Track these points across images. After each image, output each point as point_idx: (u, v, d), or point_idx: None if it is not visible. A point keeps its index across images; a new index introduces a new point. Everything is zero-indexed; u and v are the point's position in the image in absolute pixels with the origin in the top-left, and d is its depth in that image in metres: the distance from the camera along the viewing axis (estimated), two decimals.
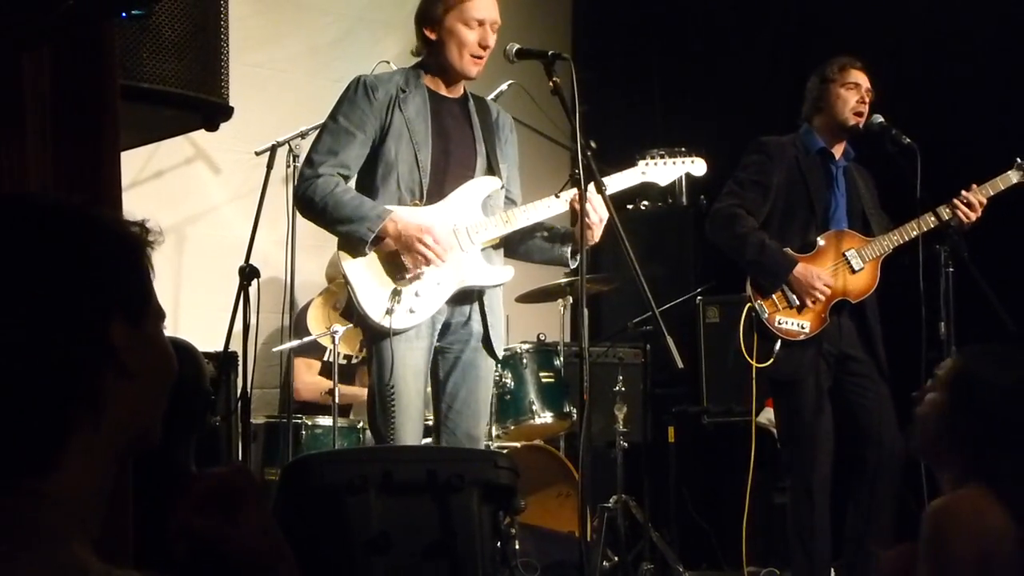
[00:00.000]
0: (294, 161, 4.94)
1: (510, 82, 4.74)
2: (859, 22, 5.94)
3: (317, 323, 4.94)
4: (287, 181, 4.94)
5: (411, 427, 3.57)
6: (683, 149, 4.02)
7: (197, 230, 5.56)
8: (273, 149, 4.97)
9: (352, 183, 3.67)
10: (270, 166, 4.90)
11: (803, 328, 4.25)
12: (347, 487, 2.78)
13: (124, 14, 2.04)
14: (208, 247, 5.50)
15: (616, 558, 5.01)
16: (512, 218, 3.71)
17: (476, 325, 3.71)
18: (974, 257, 4.16)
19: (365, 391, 4.59)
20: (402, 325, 3.56)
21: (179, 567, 1.27)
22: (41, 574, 1.08)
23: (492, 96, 4.41)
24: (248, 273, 4.44)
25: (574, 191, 3.57)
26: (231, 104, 3.06)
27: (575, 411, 4.91)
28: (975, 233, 4.31)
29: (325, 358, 5.40)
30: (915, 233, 4.28)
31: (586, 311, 3.35)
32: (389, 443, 3.55)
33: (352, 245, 3.60)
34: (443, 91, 3.75)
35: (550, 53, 3.50)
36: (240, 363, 4.53)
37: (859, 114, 4.34)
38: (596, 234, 3.60)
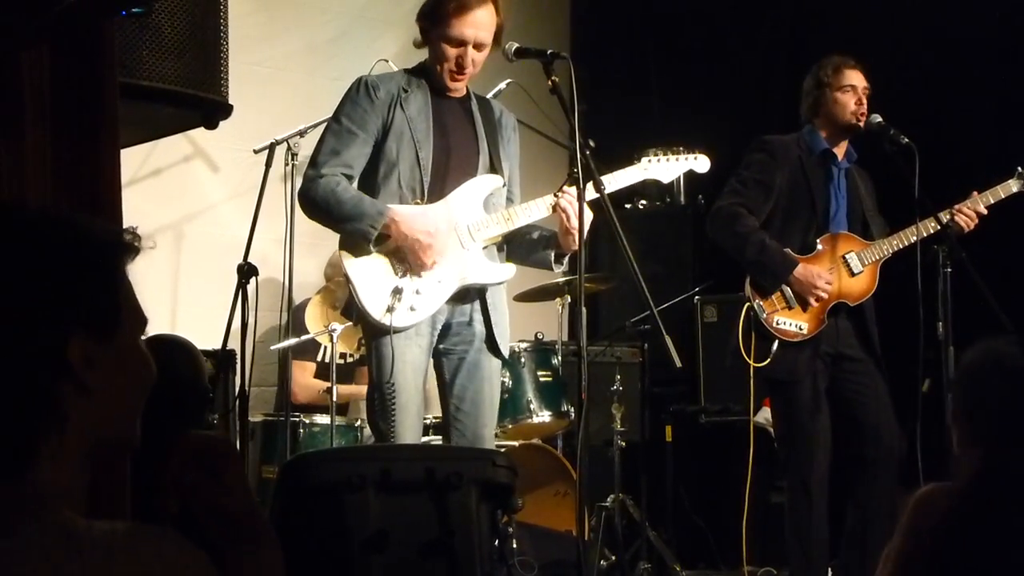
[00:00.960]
0: (292, 159, 4.95)
1: (508, 81, 4.74)
2: (857, 21, 5.95)
3: (315, 321, 4.94)
4: (286, 179, 4.95)
5: (410, 424, 3.57)
6: (681, 148, 4.03)
7: (195, 228, 5.56)
8: (272, 147, 4.97)
9: (355, 181, 3.68)
10: (269, 164, 4.90)
11: (801, 329, 4.25)
12: (345, 485, 2.78)
13: (124, 12, 2.04)
14: (206, 245, 5.50)
15: (613, 557, 5.02)
16: (513, 216, 3.71)
17: (478, 325, 3.71)
18: (972, 258, 4.17)
19: (362, 389, 4.61)
20: (403, 323, 3.57)
21: (171, 519, 1.30)
22: (34, 536, 1.12)
23: (491, 95, 4.41)
24: (247, 271, 4.44)
25: (554, 198, 3.62)
26: (230, 102, 3.07)
27: (573, 410, 4.91)
28: (972, 234, 4.32)
29: (319, 359, 5.40)
30: (915, 238, 4.28)
31: (584, 310, 3.35)
32: (389, 440, 3.55)
33: (356, 243, 3.61)
34: (444, 90, 3.74)
35: (549, 52, 3.50)
36: (238, 361, 4.53)
37: (859, 115, 4.33)
38: (572, 241, 3.60)
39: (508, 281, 3.82)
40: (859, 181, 4.47)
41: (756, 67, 6.42)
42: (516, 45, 3.56)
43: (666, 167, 3.98)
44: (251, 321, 4.47)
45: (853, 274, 4.32)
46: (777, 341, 4.22)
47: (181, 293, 5.41)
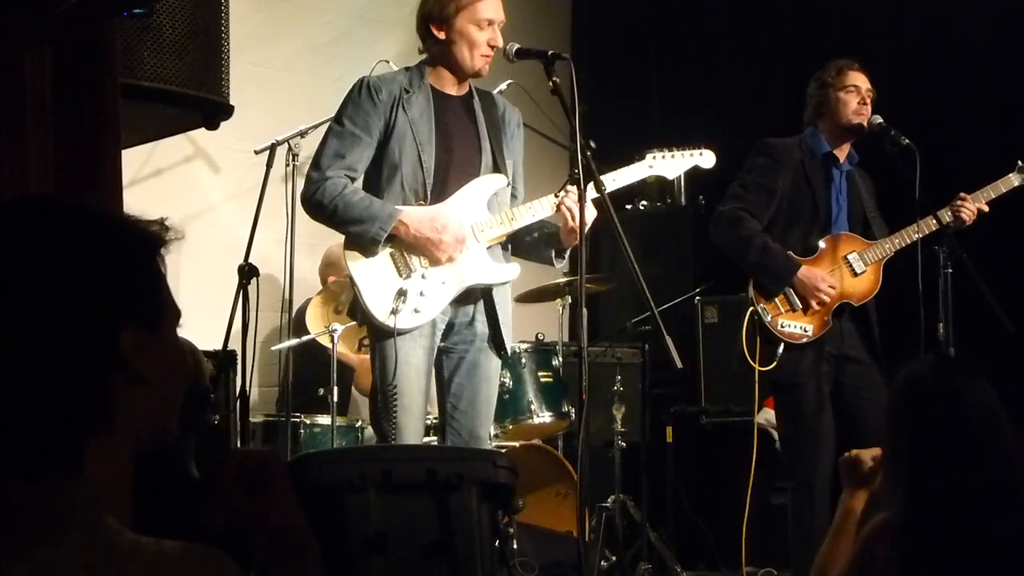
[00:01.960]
0: (293, 160, 4.95)
1: (509, 81, 4.74)
2: (858, 23, 5.95)
3: (316, 322, 4.95)
4: (286, 179, 4.95)
5: (413, 425, 3.58)
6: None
7: (196, 228, 5.56)
8: (272, 148, 4.97)
9: (359, 183, 3.68)
10: (270, 164, 4.90)
11: (806, 331, 4.25)
12: (346, 486, 2.78)
13: (125, 13, 2.04)
14: (207, 245, 5.49)
15: (614, 558, 5.02)
16: (517, 216, 3.72)
17: (480, 325, 3.71)
18: (972, 258, 4.17)
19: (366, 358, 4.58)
20: (407, 325, 3.57)
21: (214, 538, 1.29)
22: (79, 547, 1.10)
23: None
24: (247, 272, 4.45)
25: (555, 197, 3.63)
26: (231, 103, 3.07)
27: (573, 411, 4.91)
28: (973, 234, 4.32)
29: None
30: (916, 236, 4.28)
31: (585, 311, 3.35)
32: (391, 440, 3.56)
33: (363, 245, 3.61)
34: (447, 89, 3.75)
35: (550, 53, 3.50)
36: (239, 361, 4.54)
37: (862, 115, 4.33)
38: (574, 238, 3.59)
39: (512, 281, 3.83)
40: (860, 183, 4.47)
41: (756, 67, 6.42)
42: (517, 46, 3.57)
43: (671, 163, 3.97)
44: (252, 322, 4.47)
45: (856, 274, 4.32)
46: (782, 344, 4.22)
47: (182, 293, 5.31)
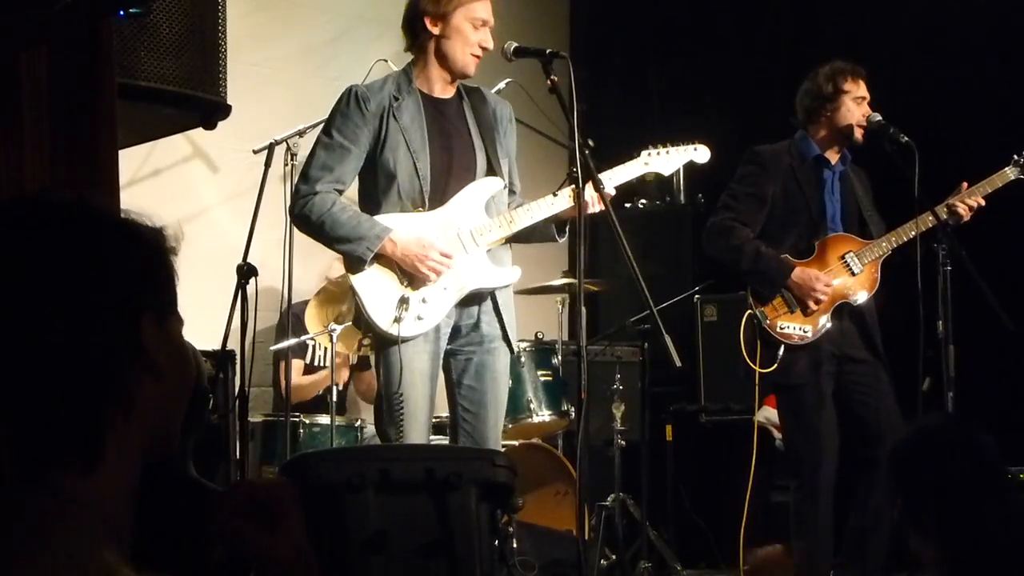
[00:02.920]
0: (292, 159, 4.94)
1: (508, 80, 4.73)
2: (857, 21, 5.95)
3: (314, 322, 4.94)
4: (285, 179, 4.94)
5: (418, 430, 3.60)
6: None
7: (194, 228, 5.55)
8: (271, 147, 4.96)
9: (354, 189, 3.68)
10: (268, 164, 4.90)
11: (805, 332, 4.25)
12: (345, 485, 2.78)
13: (122, 13, 2.04)
14: (205, 245, 5.48)
15: (614, 556, 5.02)
16: (515, 219, 3.72)
17: (486, 327, 3.72)
18: (971, 255, 4.16)
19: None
20: (411, 332, 3.58)
21: (214, 569, 1.27)
22: (54, 572, 1.07)
23: None
24: (246, 271, 4.44)
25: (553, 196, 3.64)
26: (229, 102, 3.07)
27: (573, 409, 4.91)
28: (972, 231, 4.31)
29: (308, 360, 5.39)
30: (913, 234, 4.27)
31: (584, 310, 3.35)
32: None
33: (351, 263, 3.63)
34: (436, 92, 3.74)
35: (548, 51, 3.50)
36: (238, 361, 4.53)
37: (863, 125, 4.33)
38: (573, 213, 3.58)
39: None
40: (855, 182, 4.47)
41: (755, 67, 6.41)
42: (515, 44, 3.57)
43: (666, 159, 3.97)
44: (250, 321, 4.47)
45: (854, 274, 4.32)
46: (782, 346, 4.22)
47: (180, 293, 5.39)
